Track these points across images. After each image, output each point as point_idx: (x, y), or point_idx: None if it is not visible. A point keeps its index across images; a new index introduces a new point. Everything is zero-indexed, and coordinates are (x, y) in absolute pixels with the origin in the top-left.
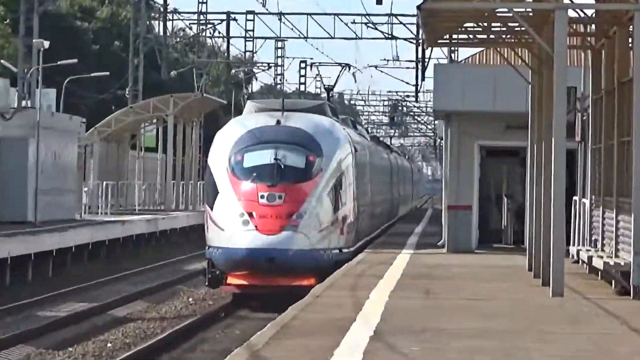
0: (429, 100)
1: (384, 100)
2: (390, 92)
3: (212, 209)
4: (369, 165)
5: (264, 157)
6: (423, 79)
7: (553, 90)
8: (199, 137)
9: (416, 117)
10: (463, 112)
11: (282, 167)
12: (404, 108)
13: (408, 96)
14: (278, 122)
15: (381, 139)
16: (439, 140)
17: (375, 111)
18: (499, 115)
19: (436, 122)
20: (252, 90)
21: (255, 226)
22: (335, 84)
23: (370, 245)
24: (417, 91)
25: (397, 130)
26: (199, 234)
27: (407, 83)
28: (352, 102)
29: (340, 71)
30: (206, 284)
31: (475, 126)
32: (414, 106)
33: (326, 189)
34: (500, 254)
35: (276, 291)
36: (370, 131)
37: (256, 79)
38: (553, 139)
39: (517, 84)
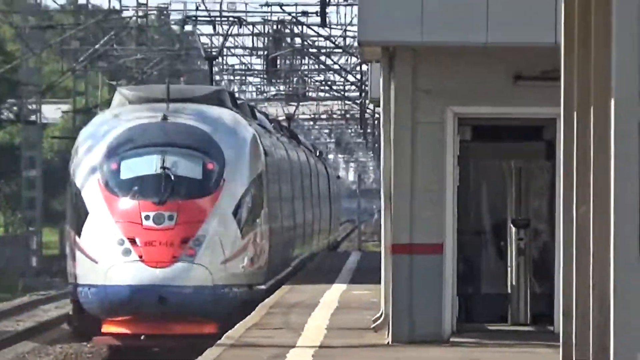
0: (350, 23)
1: (254, 24)
2: (265, 6)
3: (79, 235)
4: (283, 174)
5: (147, 165)
6: None
7: None
8: None
9: (322, 59)
10: (423, 45)
11: (172, 178)
12: (296, 41)
13: (304, 13)
14: (164, 117)
15: (259, 107)
16: (370, 107)
17: (236, 47)
18: (499, 54)
19: (365, 68)
20: None
21: (140, 256)
22: None
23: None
24: (323, 5)
25: (281, 89)
26: None
27: None
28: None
29: None
30: (73, 332)
31: (449, 77)
32: (317, 35)
33: (230, 206)
34: (504, 347)
35: (167, 342)
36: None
37: None
38: (612, 104)
39: None
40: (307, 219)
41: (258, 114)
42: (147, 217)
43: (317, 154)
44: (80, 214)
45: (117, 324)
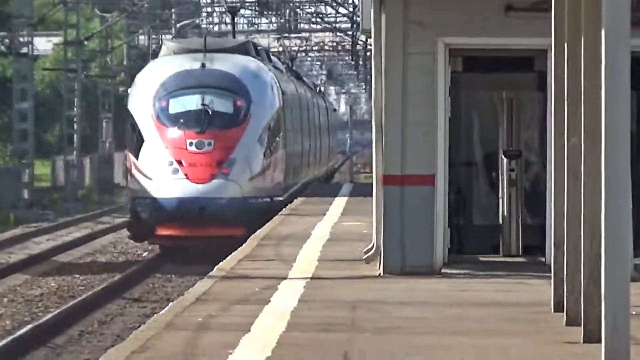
0: None
1: None
2: None
3: (137, 158)
4: (294, 109)
5: (190, 102)
6: None
7: None
8: None
9: None
10: None
11: (210, 112)
12: None
13: None
14: (203, 65)
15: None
16: (362, 39)
17: None
18: None
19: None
20: None
21: (185, 175)
22: None
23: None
24: None
25: (272, 18)
26: None
27: None
28: None
29: None
30: (130, 236)
31: (439, 8)
32: None
33: (256, 135)
34: (496, 278)
35: (205, 243)
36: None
37: None
38: (603, 34)
39: None
40: (312, 147)
41: (273, 58)
42: (190, 144)
43: (318, 90)
44: (138, 142)
45: (166, 228)
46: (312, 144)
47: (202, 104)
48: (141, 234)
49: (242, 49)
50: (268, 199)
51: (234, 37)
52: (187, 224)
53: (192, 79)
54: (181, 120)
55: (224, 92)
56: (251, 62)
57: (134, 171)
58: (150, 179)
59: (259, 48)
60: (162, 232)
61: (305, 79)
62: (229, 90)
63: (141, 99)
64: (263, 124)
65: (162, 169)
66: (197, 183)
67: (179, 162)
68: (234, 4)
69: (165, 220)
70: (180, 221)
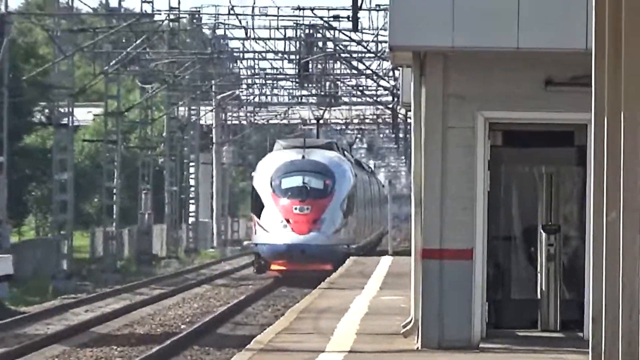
0: (382, 28)
1: (284, 27)
2: (297, 10)
3: (259, 218)
4: (360, 187)
5: (296, 181)
6: None
7: None
8: None
9: (355, 63)
10: (454, 50)
11: (308, 188)
12: (328, 45)
13: (336, 18)
14: (303, 156)
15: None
16: (402, 112)
17: (264, 52)
18: (530, 59)
19: (397, 73)
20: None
21: (292, 229)
22: None
23: None
24: (355, 9)
25: (312, 92)
26: None
27: None
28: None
29: None
30: (254, 270)
31: (479, 82)
32: (349, 40)
33: (338, 203)
34: (534, 352)
35: (304, 274)
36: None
37: None
38: None
39: None
40: (370, 215)
41: (345, 152)
42: (295, 208)
43: (371, 171)
44: (260, 207)
45: (279, 264)
46: (370, 213)
47: (303, 182)
48: (261, 268)
49: (329, 146)
50: (346, 246)
51: (317, 137)
52: (293, 261)
53: (296, 165)
54: (289, 193)
55: (317, 174)
56: (334, 155)
57: (256, 226)
58: (268, 231)
59: (338, 145)
60: (275, 267)
61: (363, 163)
62: (321, 173)
63: (262, 179)
64: (343, 196)
65: (276, 225)
66: (300, 234)
67: (288, 220)
68: (274, 75)
69: (278, 259)
70: (288, 259)
